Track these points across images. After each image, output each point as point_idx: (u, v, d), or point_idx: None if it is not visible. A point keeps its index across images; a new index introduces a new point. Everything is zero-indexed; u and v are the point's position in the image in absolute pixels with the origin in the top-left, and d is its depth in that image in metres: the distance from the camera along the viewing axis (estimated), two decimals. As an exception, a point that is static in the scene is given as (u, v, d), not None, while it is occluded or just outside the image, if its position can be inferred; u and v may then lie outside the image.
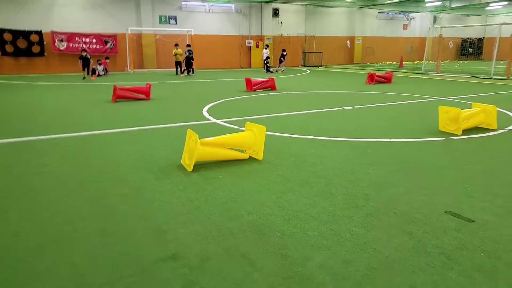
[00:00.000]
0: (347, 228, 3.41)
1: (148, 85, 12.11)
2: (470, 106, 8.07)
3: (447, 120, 7.27)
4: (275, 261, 2.88)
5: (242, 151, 5.60)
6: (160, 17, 25.94)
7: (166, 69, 24.99)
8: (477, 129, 7.31)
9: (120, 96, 11.60)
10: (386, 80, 16.72)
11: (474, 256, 2.94)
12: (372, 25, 34.51)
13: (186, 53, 21.05)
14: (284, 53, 23.84)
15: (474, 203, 3.95)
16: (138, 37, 25.09)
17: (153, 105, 10.78)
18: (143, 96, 11.90)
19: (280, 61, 23.83)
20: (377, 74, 16.82)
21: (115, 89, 11.52)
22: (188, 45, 21.72)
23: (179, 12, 26.45)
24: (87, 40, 23.73)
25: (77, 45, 23.44)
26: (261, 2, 28.32)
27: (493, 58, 20.19)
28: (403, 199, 4.05)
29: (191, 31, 25.23)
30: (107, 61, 22.06)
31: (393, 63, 33.62)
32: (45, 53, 22.79)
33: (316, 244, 3.13)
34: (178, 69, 21.93)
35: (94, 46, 23.89)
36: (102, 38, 24.14)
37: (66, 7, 23.30)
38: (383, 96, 12.42)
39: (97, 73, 20.29)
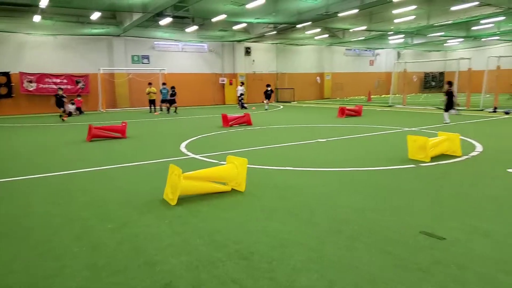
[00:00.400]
0: (331, 251, 3.60)
1: (124, 124, 12.20)
2: (436, 135, 8.60)
3: (416, 148, 7.73)
4: (264, 285, 3.02)
5: (224, 183, 5.76)
6: (133, 57, 26.33)
7: (140, 108, 25.13)
8: (443, 156, 7.78)
9: (95, 135, 11.61)
10: (356, 113, 17.45)
11: (447, 270, 3.18)
12: (341, 61, 36.18)
13: (170, 91, 21.50)
14: (269, 89, 23.00)
15: (445, 222, 4.25)
16: (111, 76, 25.26)
17: (130, 143, 10.84)
18: (119, 134, 11.95)
19: (269, 97, 22.91)
20: (347, 108, 17.56)
21: (90, 128, 11.55)
22: (164, 83, 22.17)
23: (152, 52, 26.98)
24: (58, 80, 23.66)
25: (47, 85, 23.34)
26: (233, 41, 29.33)
27: (457, 90, 21.47)
28: (381, 222, 4.30)
29: (164, 69, 25.71)
30: (80, 99, 22.04)
31: (362, 97, 35.04)
32: (13, 95, 22.52)
33: (303, 267, 3.29)
34: (152, 107, 22.13)
35: (65, 86, 23.77)
36: (73, 78, 24.14)
37: (36, 48, 23.36)
38: (355, 128, 12.97)
39: (67, 112, 20.21)
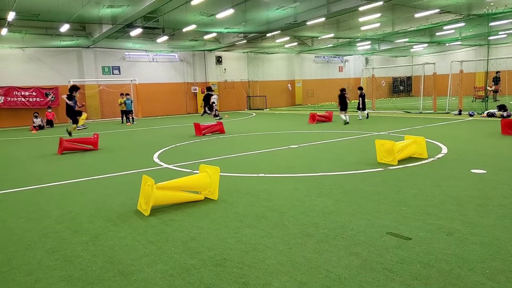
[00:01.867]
0: (301, 254, 3.72)
1: (95, 135, 12.02)
2: (403, 139, 8.93)
3: (384, 152, 8.01)
4: (238, 289, 3.10)
5: (197, 192, 5.81)
6: (103, 68, 25.97)
7: (112, 119, 24.74)
8: (410, 159, 8.10)
9: (67, 148, 11.39)
10: (327, 119, 17.84)
11: (412, 268, 3.35)
12: (311, 68, 36.88)
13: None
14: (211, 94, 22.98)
15: (410, 223, 4.45)
16: (81, 88, 24.73)
17: (102, 155, 10.70)
18: (90, 146, 11.76)
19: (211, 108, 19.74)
20: (318, 114, 17.93)
21: (61, 141, 11.32)
22: (127, 94, 22.07)
23: (123, 62, 26.69)
24: (27, 93, 23.09)
25: (15, 99, 22.71)
26: (204, 50, 29.41)
27: (421, 94, 22.38)
28: (349, 224, 4.47)
29: (135, 80, 25.47)
30: (50, 111, 21.53)
31: (332, 103, 35.75)
32: (-21, 109, 21.81)
33: (274, 271, 3.39)
34: (124, 118, 21.89)
35: (34, 99, 23.24)
36: (42, 91, 23.58)
37: (4, 61, 22.76)
38: (325, 134, 13.27)
39: (34, 125, 19.70)
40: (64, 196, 6.38)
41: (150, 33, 24.27)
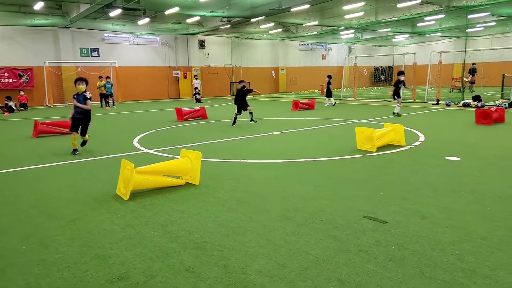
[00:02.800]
0: (281, 237, 3.77)
1: (73, 119, 11.75)
2: (382, 126, 9.07)
3: (363, 139, 8.13)
4: (218, 271, 3.13)
5: (178, 177, 5.78)
6: (81, 49, 25.25)
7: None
8: (389, 146, 8.25)
9: (42, 131, 11.11)
10: (310, 106, 17.92)
11: (387, 250, 3.45)
12: (294, 55, 36.81)
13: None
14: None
15: (387, 207, 4.56)
16: (58, 69, 24.06)
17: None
18: (67, 130, 11.49)
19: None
20: (301, 101, 17.99)
21: (36, 124, 11.04)
22: (108, 77, 21.60)
23: (102, 44, 26.01)
24: (-2, 73, 22.23)
25: (-14, 79, 21.87)
26: (187, 34, 28.94)
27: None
28: (328, 209, 4.55)
29: (115, 63, 24.91)
30: (23, 94, 20.85)
31: (315, 91, 35.89)
32: None
33: (254, 253, 3.43)
34: (103, 101, 21.46)
35: (7, 80, 22.38)
36: (15, 72, 22.73)
37: (-26, 40, 21.83)
38: (308, 121, 13.35)
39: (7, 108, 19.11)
40: (39, 180, 6.26)
41: (131, 14, 23.67)
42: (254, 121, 12.68)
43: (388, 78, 43.66)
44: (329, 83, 19.50)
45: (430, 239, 3.67)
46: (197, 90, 25.08)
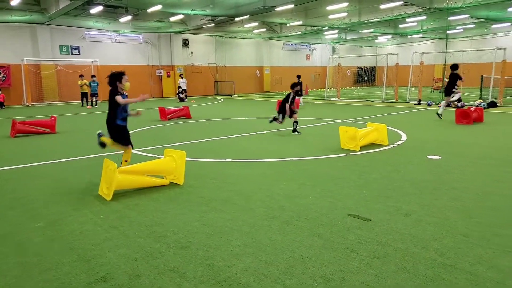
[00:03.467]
0: (266, 236, 3.77)
1: (53, 118, 11.52)
2: (366, 126, 9.17)
3: (347, 138, 8.21)
4: (203, 271, 3.11)
5: (162, 177, 5.73)
6: (61, 47, 24.70)
7: (71, 101, 23.77)
8: (372, 145, 8.35)
9: (20, 130, 10.85)
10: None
11: (371, 247, 3.49)
12: (279, 55, 36.92)
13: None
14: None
15: (370, 205, 4.62)
16: (36, 67, 23.47)
17: (60, 139, 10.29)
18: (47, 130, 11.27)
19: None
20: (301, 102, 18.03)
21: (13, 123, 10.77)
22: (93, 76, 21.19)
23: (83, 42, 25.53)
24: (-28, 71, 21.59)
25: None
26: (170, 32, 28.70)
27: (383, 84, 23.04)
28: (313, 207, 4.57)
29: (96, 61, 24.50)
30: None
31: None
32: None
33: (239, 252, 3.43)
34: (85, 100, 21.06)
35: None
36: (-9, 70, 22.13)
37: None
38: (292, 121, 13.37)
39: None
40: (19, 180, 6.11)
41: (113, 12, 23.33)
42: (297, 132, 10.41)
43: (371, 79, 44.24)
44: (300, 83, 19.97)
45: (412, 236, 3.73)
46: (180, 89, 24.88)
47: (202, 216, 4.37)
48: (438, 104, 17.83)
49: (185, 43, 30.15)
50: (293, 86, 10.77)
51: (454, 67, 12.77)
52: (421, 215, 4.29)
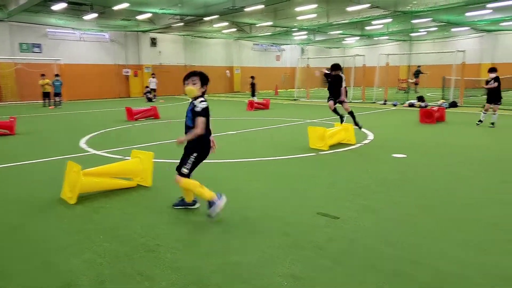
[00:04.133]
0: (235, 236, 3.75)
1: (12, 119, 11.00)
2: (333, 126, 9.32)
3: (316, 138, 8.32)
4: (171, 274, 3.05)
5: (129, 179, 5.58)
6: (21, 45, 23.66)
7: (32, 101, 22.79)
8: (340, 144, 8.50)
9: (-24, 132, 10.31)
10: (264, 106, 18.06)
11: (340, 244, 3.55)
12: (249, 56, 36.96)
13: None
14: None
15: (339, 203, 4.69)
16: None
17: (20, 140, 9.85)
18: (6, 131, 10.75)
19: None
20: (256, 101, 18.08)
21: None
22: (57, 75, 20.40)
23: (45, 40, 24.58)
24: None
25: None
26: (138, 31, 28.12)
27: (351, 85, 23.52)
28: (281, 206, 4.60)
29: (60, 60, 23.64)
30: None
31: (270, 91, 36.27)
32: None
33: (208, 254, 3.39)
34: (47, 100, 20.24)
35: None
36: None
37: None
38: (263, 121, 13.44)
39: None
40: (-23, 184, 5.79)
41: (77, 9, 22.60)
42: (358, 126, 9.59)
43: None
44: (252, 84, 20.72)
45: (379, 233, 3.82)
46: (148, 88, 24.40)
47: (170, 218, 4.29)
48: (403, 104, 18.40)
49: (153, 42, 29.64)
50: (334, 68, 9.86)
51: (492, 69, 11.17)
52: (387, 212, 4.40)
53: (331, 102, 9.81)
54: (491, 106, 11.20)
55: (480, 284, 2.88)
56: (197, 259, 3.29)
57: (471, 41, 34.23)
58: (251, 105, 17.55)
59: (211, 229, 3.95)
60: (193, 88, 4.32)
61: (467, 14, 24.74)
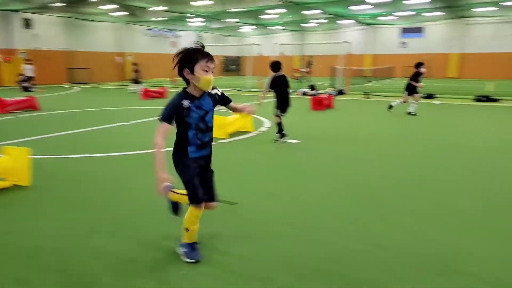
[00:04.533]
0: (127, 234, 3.53)
1: None
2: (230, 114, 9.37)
3: (215, 126, 8.24)
4: (56, 277, 2.77)
5: (2, 179, 4.86)
6: None
7: None
8: (239, 132, 8.60)
9: None
10: (160, 95, 17.42)
11: (238, 227, 3.58)
12: (141, 41, 35.10)
13: None
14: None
15: (239, 189, 4.76)
16: None
17: None
18: None
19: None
20: (151, 89, 17.34)
21: None
22: None
23: None
24: None
25: None
26: (6, 10, 24.55)
27: (251, 73, 23.94)
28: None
29: None
30: None
31: (166, 79, 35.10)
32: None
33: (98, 254, 3.13)
34: None
35: None
36: None
37: None
38: (158, 110, 12.88)
39: None
40: None
41: None
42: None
43: (238, 68, 45.65)
44: (136, 70, 20.58)
45: (275, 214, 3.99)
46: (24, 76, 21.48)
47: (56, 218, 3.86)
48: (296, 92, 19.40)
49: (27, 23, 26.19)
50: (417, 66, 11.37)
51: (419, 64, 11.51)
52: (283, 194, 4.60)
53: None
54: (413, 96, 11.46)
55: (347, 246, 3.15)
56: (85, 260, 3.01)
57: (356, 33, 37.54)
58: (146, 94, 16.78)
59: (101, 226, 3.65)
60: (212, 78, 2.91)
61: (351, 7, 26.94)
